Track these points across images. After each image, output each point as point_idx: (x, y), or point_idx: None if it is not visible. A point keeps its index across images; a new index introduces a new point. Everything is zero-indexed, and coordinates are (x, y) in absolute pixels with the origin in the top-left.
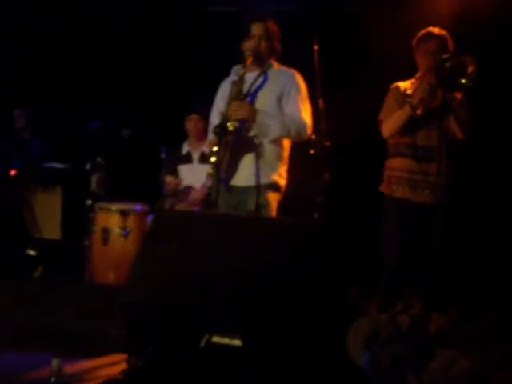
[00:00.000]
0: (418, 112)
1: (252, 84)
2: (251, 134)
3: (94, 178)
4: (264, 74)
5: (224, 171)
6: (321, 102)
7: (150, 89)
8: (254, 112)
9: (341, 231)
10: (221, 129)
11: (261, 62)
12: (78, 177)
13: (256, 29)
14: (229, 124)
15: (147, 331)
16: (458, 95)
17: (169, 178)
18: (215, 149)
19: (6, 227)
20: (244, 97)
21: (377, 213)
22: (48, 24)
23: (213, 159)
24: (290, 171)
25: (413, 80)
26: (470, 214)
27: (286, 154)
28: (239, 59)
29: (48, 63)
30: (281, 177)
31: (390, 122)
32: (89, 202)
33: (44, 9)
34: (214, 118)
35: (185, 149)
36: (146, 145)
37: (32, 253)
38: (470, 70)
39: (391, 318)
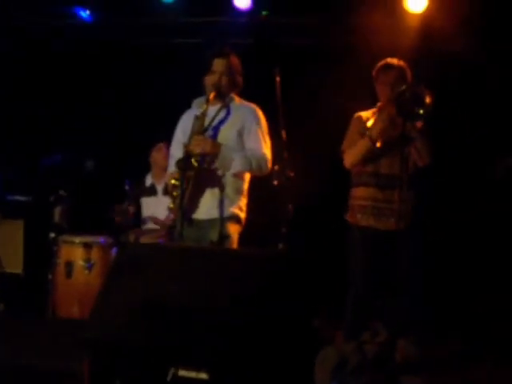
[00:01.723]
0: (378, 145)
1: (213, 118)
2: (213, 167)
3: (57, 211)
4: (226, 108)
5: (186, 205)
6: (283, 133)
7: (112, 120)
8: (216, 146)
9: (306, 261)
10: (184, 163)
11: (222, 96)
12: (41, 209)
13: (218, 64)
14: (192, 159)
15: (112, 366)
16: (418, 124)
17: (130, 208)
18: (177, 183)
19: None
20: (205, 131)
21: (342, 241)
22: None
23: (175, 193)
24: (254, 202)
25: (374, 109)
26: (435, 238)
27: (245, 186)
28: (200, 91)
29: (10, 94)
30: (241, 210)
31: (351, 153)
32: (52, 234)
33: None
34: (175, 151)
35: (148, 181)
36: (109, 177)
37: None
38: (427, 100)
39: (358, 346)
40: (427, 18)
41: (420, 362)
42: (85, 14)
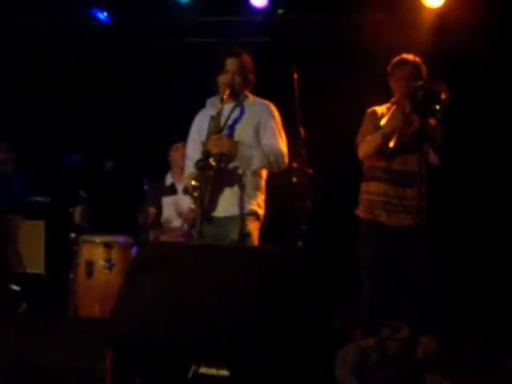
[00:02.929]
0: (391, 145)
1: (228, 117)
2: (232, 166)
3: (78, 211)
4: (240, 106)
5: (206, 204)
6: (301, 130)
7: (130, 120)
8: (234, 145)
9: (326, 258)
10: (203, 164)
11: (236, 94)
12: (61, 210)
13: (231, 64)
14: (211, 159)
15: (134, 364)
16: (432, 121)
17: (151, 208)
18: (196, 183)
19: None
20: (221, 130)
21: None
22: (22, 59)
23: (195, 194)
24: (273, 199)
25: (388, 104)
26: (451, 235)
27: (263, 183)
28: (214, 90)
29: (29, 96)
30: (259, 206)
31: (364, 145)
32: (72, 235)
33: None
34: (191, 150)
35: (168, 180)
36: (129, 176)
37: (16, 288)
38: (442, 96)
39: (378, 343)
40: (444, 13)
41: (442, 359)
42: (102, 15)
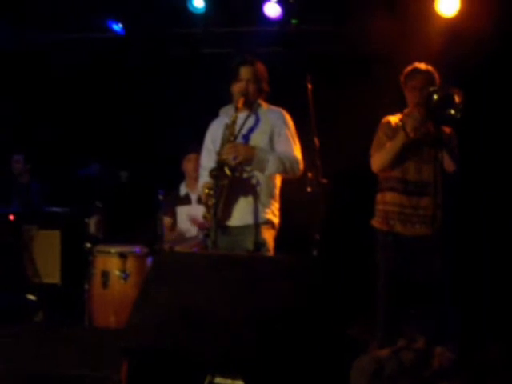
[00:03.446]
0: (412, 135)
1: (242, 125)
2: (246, 175)
3: (93, 221)
4: (254, 114)
5: (220, 214)
6: (316, 140)
7: (146, 131)
8: (249, 150)
9: (340, 268)
10: (217, 173)
11: (250, 103)
12: (77, 220)
13: (244, 72)
14: (226, 168)
15: (149, 375)
16: (447, 129)
17: (166, 220)
18: (211, 192)
19: (5, 272)
20: (236, 138)
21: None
22: (39, 71)
23: (209, 202)
24: (288, 209)
25: (402, 115)
26: (467, 244)
27: (277, 191)
28: (227, 100)
29: (46, 110)
30: (274, 214)
31: (380, 155)
32: (88, 245)
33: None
34: (205, 160)
35: (182, 190)
36: (143, 187)
37: (32, 297)
38: (457, 100)
39: (394, 353)
40: (458, 22)
41: (458, 370)
42: (117, 27)
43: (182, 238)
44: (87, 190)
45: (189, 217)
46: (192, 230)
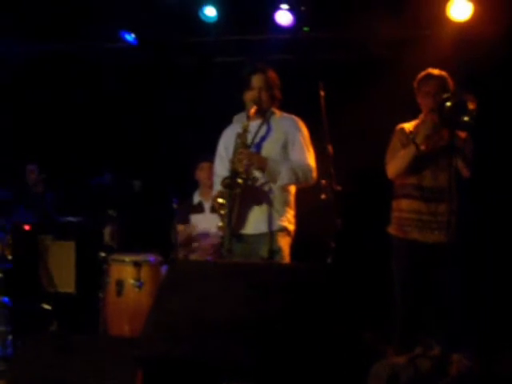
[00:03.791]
0: (423, 147)
1: (256, 134)
2: (259, 183)
3: (107, 231)
4: (266, 122)
5: (234, 223)
6: (329, 147)
7: (158, 140)
8: (262, 160)
9: (355, 275)
10: (230, 182)
11: (262, 111)
12: (91, 230)
13: (256, 80)
14: (238, 177)
15: (163, 383)
16: (462, 134)
17: (180, 227)
18: (224, 201)
19: (21, 282)
20: (248, 147)
21: (391, 255)
22: (51, 81)
23: (222, 212)
24: (302, 217)
25: (417, 121)
26: (484, 251)
27: (292, 198)
28: (239, 107)
29: (60, 119)
30: (289, 222)
31: (395, 163)
32: (102, 254)
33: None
34: (218, 167)
35: (196, 198)
36: (157, 196)
37: (47, 307)
38: (470, 107)
39: (410, 360)
40: (471, 26)
41: (475, 378)
42: (130, 37)
43: (191, 249)
44: (101, 200)
45: (205, 232)
46: (203, 241)
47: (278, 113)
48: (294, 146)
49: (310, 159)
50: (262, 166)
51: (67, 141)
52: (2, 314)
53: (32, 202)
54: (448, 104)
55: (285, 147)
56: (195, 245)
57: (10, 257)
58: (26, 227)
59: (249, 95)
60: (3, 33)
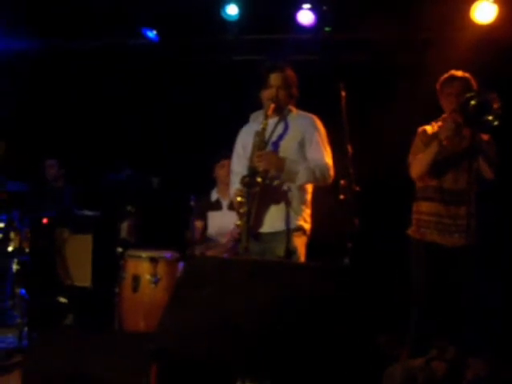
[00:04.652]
0: (445, 142)
1: (273, 131)
2: (277, 181)
3: (125, 226)
4: (284, 120)
5: (252, 221)
6: (349, 148)
7: (178, 137)
8: (280, 161)
9: (372, 276)
10: (249, 181)
11: (280, 109)
12: (109, 224)
13: (274, 79)
14: (257, 176)
15: (178, 379)
16: (485, 136)
17: (197, 223)
18: (242, 200)
19: (38, 275)
20: (266, 145)
21: (408, 257)
22: (72, 78)
23: (241, 210)
24: (320, 217)
25: (439, 123)
26: (503, 255)
27: (309, 197)
28: (257, 105)
29: (79, 115)
30: (305, 221)
31: (418, 161)
32: (119, 249)
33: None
34: (236, 166)
35: (214, 196)
36: (175, 192)
37: (63, 300)
38: (495, 106)
39: (426, 363)
40: (495, 28)
41: (492, 383)
42: (152, 33)
43: (208, 245)
44: (119, 195)
45: (222, 229)
46: (223, 236)
47: (294, 111)
48: (311, 145)
49: (327, 158)
50: (280, 167)
51: (88, 136)
52: (18, 306)
53: (51, 197)
54: (472, 103)
55: (302, 145)
56: (212, 241)
57: (27, 249)
58: (44, 220)
59: (266, 93)
60: (27, 29)
